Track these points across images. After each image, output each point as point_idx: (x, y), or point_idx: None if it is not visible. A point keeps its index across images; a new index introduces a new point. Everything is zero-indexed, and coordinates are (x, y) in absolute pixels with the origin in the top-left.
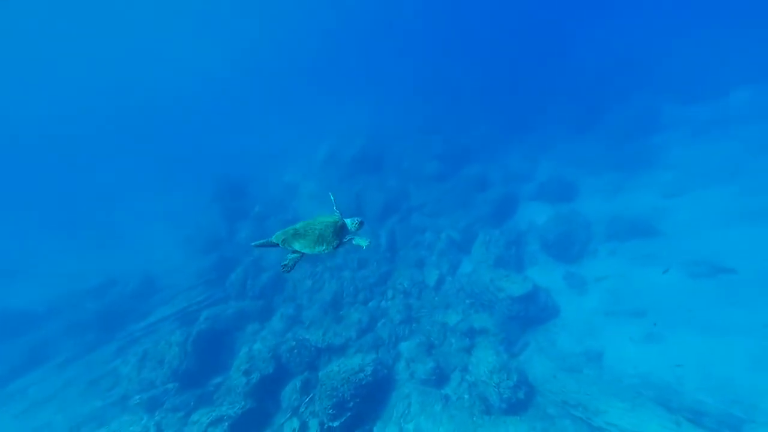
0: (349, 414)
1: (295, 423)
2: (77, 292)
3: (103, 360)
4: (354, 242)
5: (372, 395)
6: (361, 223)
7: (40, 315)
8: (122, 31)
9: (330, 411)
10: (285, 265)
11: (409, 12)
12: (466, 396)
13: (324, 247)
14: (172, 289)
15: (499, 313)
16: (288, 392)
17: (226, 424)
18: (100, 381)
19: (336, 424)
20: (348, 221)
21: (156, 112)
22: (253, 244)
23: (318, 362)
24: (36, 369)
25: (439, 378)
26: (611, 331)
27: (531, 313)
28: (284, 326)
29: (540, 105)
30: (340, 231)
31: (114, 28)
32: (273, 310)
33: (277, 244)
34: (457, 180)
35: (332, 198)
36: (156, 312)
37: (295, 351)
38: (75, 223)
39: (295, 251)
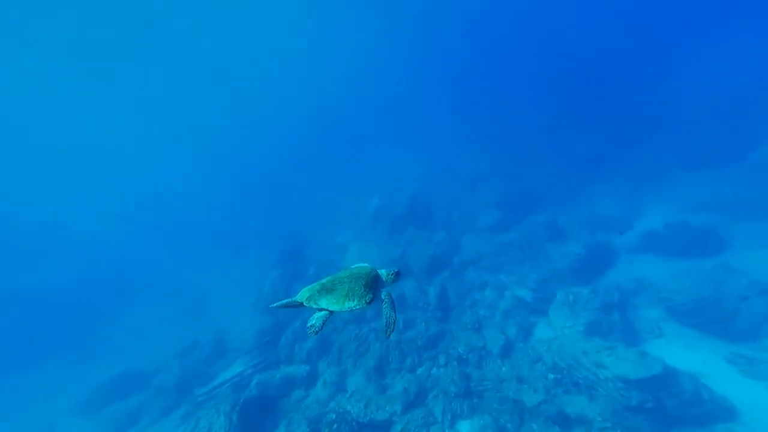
0: None
1: None
2: (169, 355)
3: (173, 425)
4: (384, 311)
5: None
6: (397, 274)
7: (148, 374)
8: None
9: None
10: (312, 325)
11: (458, 58)
12: None
13: (355, 303)
14: (237, 353)
15: (606, 398)
16: None
17: None
18: None
19: None
20: (382, 272)
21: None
22: (272, 305)
23: None
24: (130, 429)
25: None
26: None
27: (670, 408)
28: (327, 395)
29: (634, 136)
30: (373, 283)
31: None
32: (318, 376)
33: (301, 304)
34: (520, 230)
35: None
36: (219, 376)
37: (335, 426)
38: (175, 290)
39: (322, 309)
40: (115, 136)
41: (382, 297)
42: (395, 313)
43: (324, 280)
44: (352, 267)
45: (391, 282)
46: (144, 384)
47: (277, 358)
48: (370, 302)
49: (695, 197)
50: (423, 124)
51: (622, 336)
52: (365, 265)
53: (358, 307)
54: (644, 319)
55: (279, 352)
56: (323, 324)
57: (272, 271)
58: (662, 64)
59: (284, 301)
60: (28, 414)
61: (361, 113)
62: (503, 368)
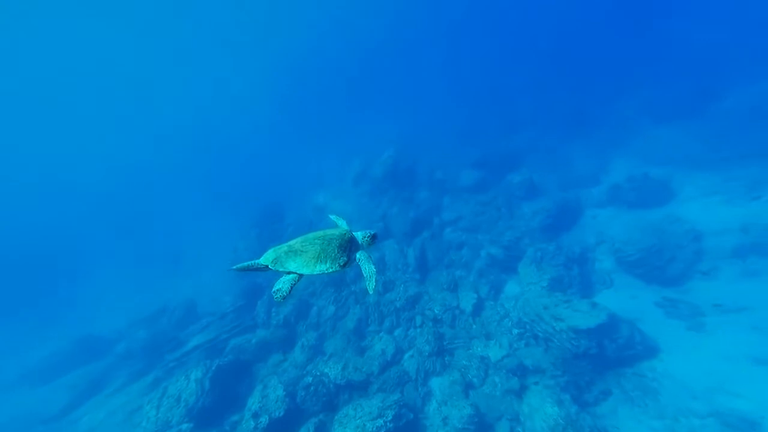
0: None
1: None
2: (136, 320)
3: (140, 392)
4: (362, 268)
5: None
6: (373, 237)
7: (110, 341)
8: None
9: None
10: (278, 290)
11: (441, 16)
12: None
13: (327, 265)
14: (211, 317)
15: (559, 349)
16: None
17: None
18: (133, 416)
19: None
20: (358, 234)
21: (200, 145)
22: (233, 267)
23: (337, 401)
24: (94, 396)
25: (480, 428)
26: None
27: (609, 352)
28: (305, 358)
29: (612, 94)
30: (348, 245)
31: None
32: (296, 339)
33: (266, 266)
34: (498, 189)
35: (334, 218)
36: (190, 341)
37: (312, 388)
38: (148, 252)
39: (290, 272)
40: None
41: (357, 258)
42: (374, 267)
43: (293, 242)
44: (326, 229)
45: (367, 245)
46: (106, 351)
47: (254, 322)
48: (344, 265)
49: (659, 151)
50: (407, 84)
51: (579, 289)
52: (340, 227)
53: (330, 270)
54: (599, 271)
55: (255, 316)
56: (291, 289)
57: (250, 231)
58: (640, 18)
59: (246, 263)
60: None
61: (344, 74)
62: (474, 326)
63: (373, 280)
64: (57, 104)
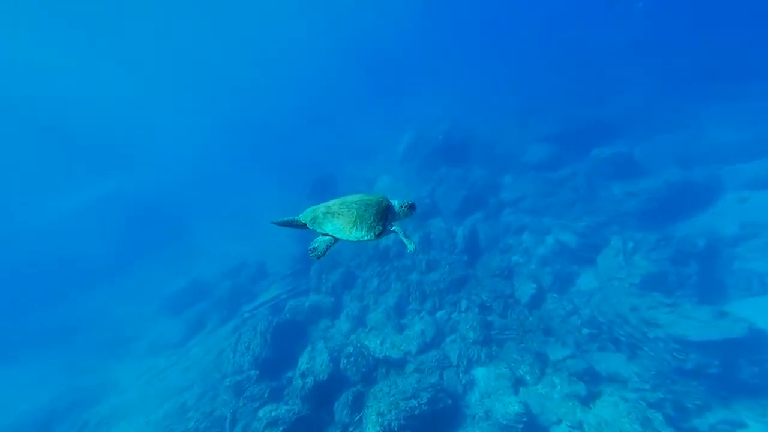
0: None
1: None
2: (224, 271)
3: (225, 335)
4: (400, 237)
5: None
6: (411, 207)
7: (210, 286)
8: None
9: None
10: (314, 248)
11: None
12: None
13: (363, 233)
14: (275, 276)
15: (653, 359)
16: (340, 405)
17: (281, 429)
18: (221, 355)
19: None
20: (395, 202)
21: (260, 117)
22: (273, 221)
23: (375, 374)
24: (199, 332)
25: (530, 429)
26: None
27: (744, 376)
28: (349, 327)
29: None
30: (384, 213)
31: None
32: (342, 308)
33: (304, 224)
34: (577, 166)
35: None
36: (260, 296)
37: (352, 358)
38: (231, 214)
39: (326, 234)
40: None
41: (392, 229)
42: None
43: (330, 203)
44: (363, 193)
45: (404, 215)
46: (207, 294)
47: (308, 286)
48: (379, 234)
49: None
50: (464, 55)
51: (697, 292)
52: (377, 193)
53: (365, 238)
54: (740, 273)
55: (309, 280)
56: (326, 250)
57: (305, 201)
58: None
59: (287, 218)
60: (132, 308)
61: (399, 45)
62: (530, 319)
63: (412, 244)
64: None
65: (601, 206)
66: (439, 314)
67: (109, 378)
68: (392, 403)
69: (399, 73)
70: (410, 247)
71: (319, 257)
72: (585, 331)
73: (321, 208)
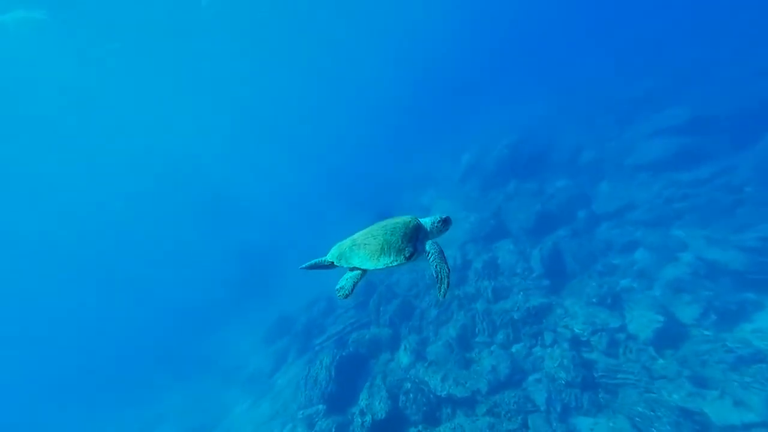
0: None
1: None
2: (301, 306)
3: (301, 367)
4: (431, 258)
5: None
6: (444, 222)
7: (293, 319)
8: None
9: None
10: (340, 288)
11: None
12: None
13: (392, 258)
14: (341, 310)
15: None
16: None
17: None
18: (297, 388)
19: None
20: (426, 220)
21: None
22: (302, 267)
23: (439, 414)
24: (283, 364)
25: None
26: None
27: None
28: (408, 361)
29: None
30: (414, 234)
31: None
32: (400, 340)
33: (331, 263)
34: (733, 161)
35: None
36: (328, 329)
37: (411, 395)
38: (309, 249)
39: (354, 268)
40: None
41: (427, 249)
42: (446, 265)
43: (356, 235)
44: (390, 218)
45: (437, 232)
46: (291, 327)
47: (369, 319)
48: (410, 257)
49: None
50: (542, 48)
51: None
52: (406, 215)
53: (395, 263)
54: None
55: (369, 313)
56: (354, 285)
57: None
58: None
59: (314, 261)
60: (241, 342)
61: (458, 61)
62: (660, 360)
63: (446, 281)
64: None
65: None
66: (515, 348)
67: (224, 403)
68: None
69: (460, 92)
70: (440, 292)
71: (347, 295)
72: (756, 380)
73: (347, 242)
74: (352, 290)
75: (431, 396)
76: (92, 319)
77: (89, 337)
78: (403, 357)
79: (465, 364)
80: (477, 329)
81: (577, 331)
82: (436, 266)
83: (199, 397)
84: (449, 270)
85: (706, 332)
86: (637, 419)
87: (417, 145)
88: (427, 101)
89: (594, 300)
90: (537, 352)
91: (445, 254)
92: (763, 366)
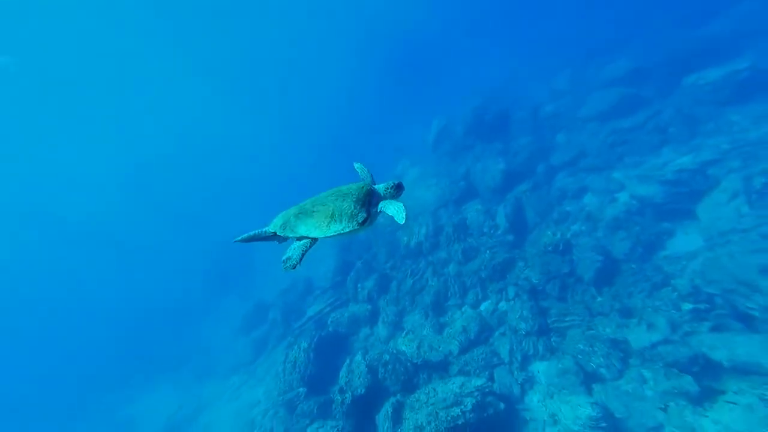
0: None
1: None
2: (279, 291)
3: (281, 353)
4: (386, 211)
5: None
6: (397, 187)
7: (269, 306)
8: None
9: None
10: (287, 258)
11: None
12: None
13: (344, 224)
14: (319, 291)
15: None
16: (381, 418)
17: None
18: (278, 372)
19: None
20: (380, 186)
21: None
22: (235, 240)
23: (417, 380)
24: (263, 352)
25: None
26: None
27: None
28: (387, 334)
29: None
30: (367, 199)
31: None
32: (379, 314)
33: (274, 234)
34: (662, 104)
35: (358, 167)
36: (307, 312)
37: (389, 366)
38: None
39: (302, 237)
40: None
41: (378, 210)
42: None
43: (303, 203)
44: (341, 185)
45: (390, 197)
46: (267, 314)
47: (348, 297)
48: (363, 222)
49: None
50: (500, 16)
51: None
52: (357, 182)
53: (347, 229)
54: None
55: (348, 290)
56: (302, 255)
57: None
58: None
59: (252, 233)
60: (218, 331)
61: (419, 29)
62: (598, 299)
63: (402, 213)
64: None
65: (705, 142)
66: (483, 306)
67: (203, 396)
68: (430, 413)
69: (428, 60)
70: (399, 218)
71: (294, 266)
72: (687, 306)
73: (292, 210)
74: (300, 260)
75: (408, 365)
76: (65, 320)
77: (61, 340)
78: (382, 330)
79: (439, 328)
80: (449, 293)
81: (534, 281)
82: (390, 209)
83: (176, 394)
84: (403, 207)
85: (633, 265)
86: (579, 356)
87: (390, 117)
88: (395, 72)
89: (549, 248)
90: (502, 307)
91: (419, 222)
92: (668, 288)
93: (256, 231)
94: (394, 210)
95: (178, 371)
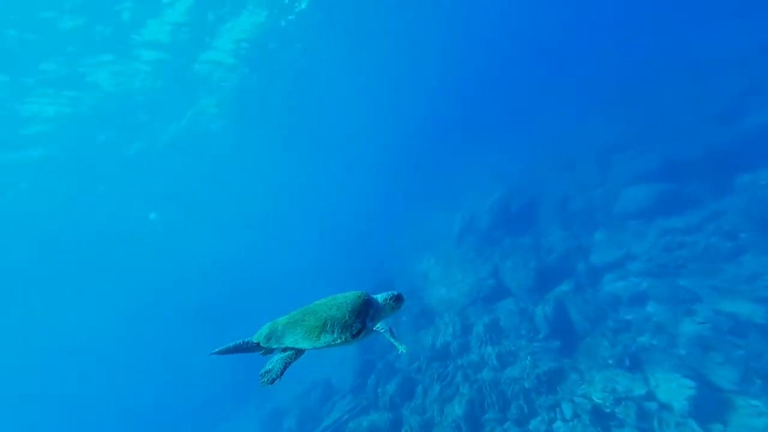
0: None
1: None
2: (295, 395)
3: None
4: (387, 337)
5: None
6: (397, 299)
7: (286, 411)
8: None
9: None
10: (266, 372)
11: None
12: None
13: (335, 335)
14: (339, 395)
15: None
16: None
17: None
18: None
19: None
20: (378, 297)
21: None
22: (212, 352)
23: None
24: None
25: None
26: None
27: None
28: None
29: None
30: (363, 310)
31: None
32: (402, 425)
33: (257, 344)
34: (720, 205)
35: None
36: (324, 420)
37: None
38: None
39: (287, 348)
40: None
41: (377, 328)
42: (398, 342)
43: (294, 312)
44: (336, 295)
45: (390, 310)
46: (282, 422)
47: (368, 402)
48: (357, 334)
49: None
50: (518, 108)
51: None
52: (355, 291)
53: (339, 341)
54: None
55: (368, 395)
56: (284, 368)
57: None
58: None
59: (233, 343)
60: None
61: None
62: None
63: (403, 345)
64: None
65: None
66: (533, 424)
67: None
68: None
69: (449, 145)
70: (400, 348)
71: (274, 380)
72: None
73: (282, 320)
74: (281, 374)
75: None
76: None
77: None
78: None
79: None
80: (486, 403)
81: (597, 400)
82: (388, 332)
83: None
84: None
85: (754, 402)
86: None
87: (413, 206)
88: (415, 158)
89: (610, 361)
90: (558, 428)
91: (445, 320)
92: None
93: (238, 341)
94: (394, 339)
95: None
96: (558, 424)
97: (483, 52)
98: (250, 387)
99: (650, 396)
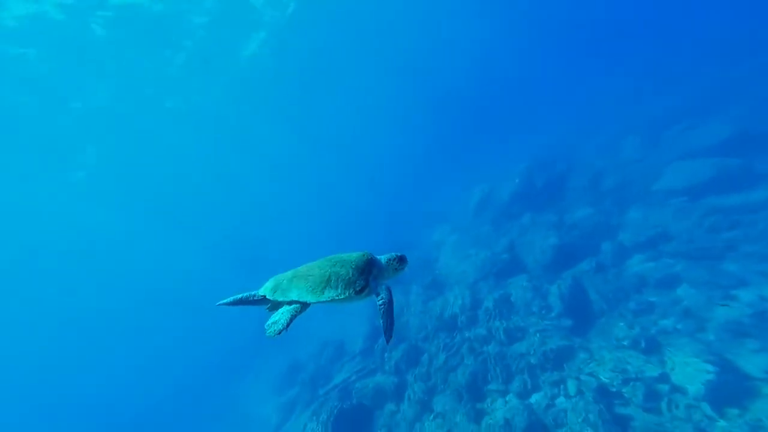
0: None
1: None
2: (311, 352)
3: (306, 419)
4: (380, 315)
5: None
6: (400, 260)
7: (303, 366)
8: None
9: None
10: (272, 323)
11: None
12: None
13: (339, 291)
14: (349, 356)
15: None
16: None
17: None
18: None
19: None
20: (382, 257)
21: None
22: (220, 303)
23: None
24: (290, 417)
25: None
26: None
27: None
28: (413, 413)
29: None
30: (367, 268)
31: None
32: (406, 390)
33: (263, 297)
34: None
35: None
36: (334, 378)
37: None
38: None
39: (292, 302)
40: None
41: (379, 291)
42: (392, 318)
43: (299, 268)
44: (341, 253)
45: (393, 271)
46: (298, 376)
47: (375, 366)
48: (360, 291)
49: None
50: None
51: None
52: (360, 251)
53: (342, 296)
54: None
55: (374, 360)
56: (290, 321)
57: None
58: None
59: (240, 296)
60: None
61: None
62: (720, 422)
63: (390, 330)
64: None
65: None
66: (534, 398)
67: None
68: None
69: (478, 121)
70: (387, 336)
71: (279, 332)
72: None
73: (287, 274)
74: (287, 326)
75: None
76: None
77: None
78: (408, 409)
79: (475, 416)
80: (489, 375)
81: (604, 379)
82: (383, 314)
83: None
84: (393, 322)
85: None
86: None
87: (433, 179)
88: (443, 133)
89: (625, 343)
90: (560, 404)
91: (454, 293)
92: None
93: (244, 294)
94: (385, 322)
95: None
96: (560, 399)
97: (523, 19)
98: (272, 343)
99: (663, 378)
